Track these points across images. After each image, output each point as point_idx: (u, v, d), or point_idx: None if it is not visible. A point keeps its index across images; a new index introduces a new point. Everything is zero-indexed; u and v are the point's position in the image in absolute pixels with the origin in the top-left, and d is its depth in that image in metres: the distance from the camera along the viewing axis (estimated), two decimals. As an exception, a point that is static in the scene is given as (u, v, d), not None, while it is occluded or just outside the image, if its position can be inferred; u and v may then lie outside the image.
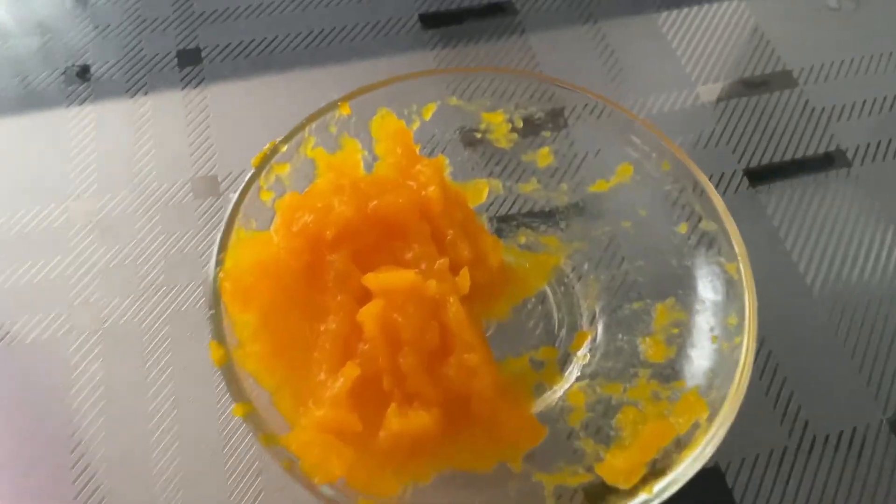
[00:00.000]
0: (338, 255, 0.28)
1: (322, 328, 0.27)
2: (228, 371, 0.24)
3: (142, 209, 0.34)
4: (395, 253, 0.29)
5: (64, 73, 0.38)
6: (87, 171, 0.35)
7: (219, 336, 0.25)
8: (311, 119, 0.30)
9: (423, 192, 0.30)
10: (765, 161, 0.37)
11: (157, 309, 0.32)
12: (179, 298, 0.32)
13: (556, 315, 0.31)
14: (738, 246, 0.27)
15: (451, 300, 0.27)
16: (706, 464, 0.28)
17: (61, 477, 0.28)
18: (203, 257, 0.33)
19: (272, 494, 0.28)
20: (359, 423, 0.25)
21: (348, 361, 0.25)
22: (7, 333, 0.31)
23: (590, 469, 0.25)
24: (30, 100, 0.37)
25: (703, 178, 0.29)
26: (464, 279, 0.28)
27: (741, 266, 0.27)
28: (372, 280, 0.27)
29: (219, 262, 0.27)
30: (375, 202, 0.28)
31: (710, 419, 0.25)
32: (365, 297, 0.27)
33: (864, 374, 0.31)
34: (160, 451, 0.29)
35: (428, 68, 0.39)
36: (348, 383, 0.25)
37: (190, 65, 0.38)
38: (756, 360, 0.31)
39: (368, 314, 0.26)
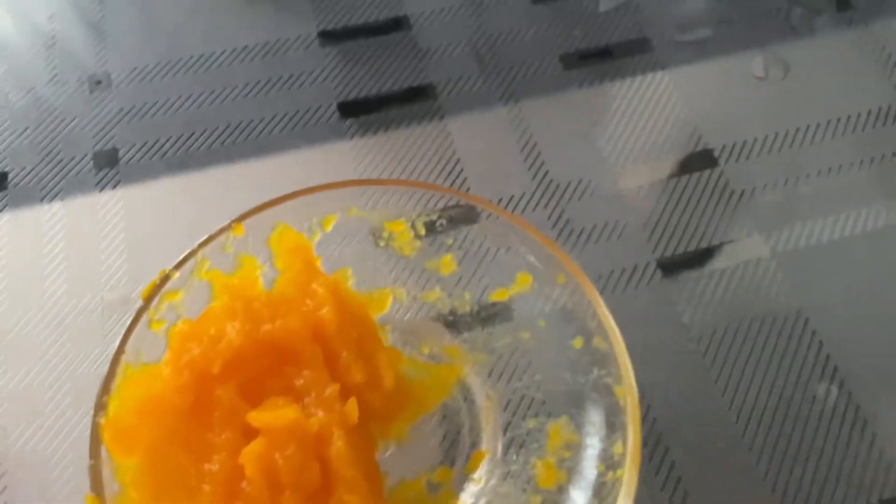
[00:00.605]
0: (224, 389, 0.28)
1: (205, 468, 0.27)
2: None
3: (50, 328, 0.34)
4: (287, 379, 0.29)
5: (-20, 181, 0.38)
6: (-3, 288, 0.35)
7: (96, 488, 0.25)
8: (203, 244, 0.30)
9: (318, 313, 0.30)
10: (679, 250, 0.36)
11: (63, 433, 0.32)
12: (87, 422, 0.32)
13: (457, 432, 0.31)
14: (625, 370, 0.27)
15: (335, 435, 0.27)
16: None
17: None
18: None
19: None
20: None
21: None
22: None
23: None
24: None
25: (595, 297, 0.29)
26: (352, 408, 0.28)
27: (627, 394, 0.27)
28: (254, 418, 0.27)
29: (101, 406, 0.27)
30: (267, 327, 0.28)
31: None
32: (254, 431, 0.27)
33: (769, 481, 0.31)
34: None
35: (344, 159, 0.39)
36: None
37: (107, 167, 0.38)
38: (659, 470, 0.31)
39: (249, 455, 0.26)
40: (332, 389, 0.28)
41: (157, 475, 0.27)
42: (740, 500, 0.31)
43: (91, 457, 0.26)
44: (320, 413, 0.28)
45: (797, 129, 0.40)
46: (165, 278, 0.29)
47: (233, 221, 0.30)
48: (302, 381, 0.28)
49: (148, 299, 0.29)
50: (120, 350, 0.28)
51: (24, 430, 0.32)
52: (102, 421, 0.26)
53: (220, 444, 0.27)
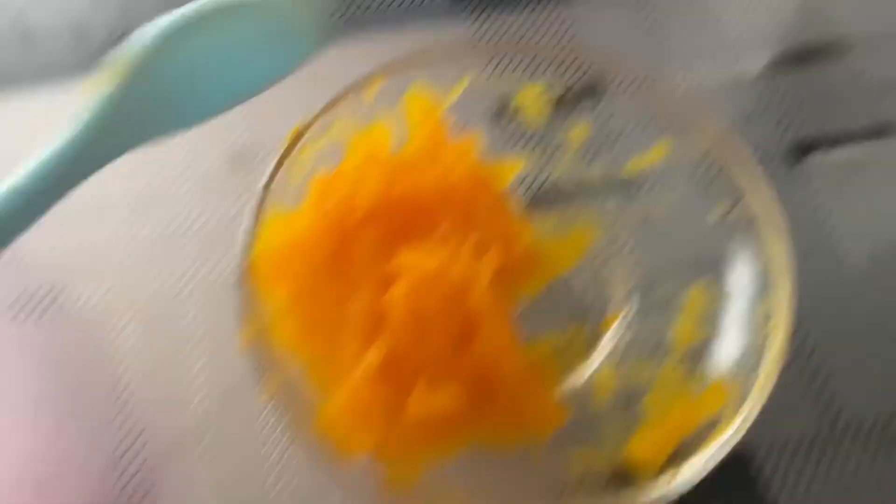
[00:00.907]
0: (366, 234, 0.28)
1: (351, 306, 0.27)
2: (257, 353, 0.25)
3: (178, 183, 0.35)
4: (423, 234, 0.29)
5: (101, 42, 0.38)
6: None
7: (248, 317, 0.26)
8: (341, 96, 0.30)
9: (453, 173, 0.30)
10: (812, 134, 0.35)
11: (196, 279, 0.32)
12: (217, 269, 0.33)
13: (585, 295, 0.31)
14: (777, 232, 0.27)
15: (478, 283, 0.27)
16: (732, 449, 0.28)
17: (108, 439, 0.30)
18: (238, 229, 0.33)
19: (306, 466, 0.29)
20: (383, 402, 0.25)
21: (375, 344, 0.26)
22: (54, 302, 0.32)
23: (614, 452, 0.26)
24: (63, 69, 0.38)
25: (746, 159, 0.28)
26: (491, 260, 0.28)
27: (780, 253, 0.27)
28: (398, 262, 0.27)
29: (248, 244, 0.27)
30: (402, 184, 0.28)
31: (737, 407, 0.25)
32: (393, 276, 0.28)
33: (904, 361, 0.30)
34: (200, 414, 0.30)
35: (461, 41, 0.38)
36: (375, 363, 0.26)
37: (227, 35, 0.39)
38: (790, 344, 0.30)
39: (394, 297, 0.26)
40: (470, 243, 0.28)
41: (305, 310, 0.27)
42: (875, 377, 0.30)
43: (241, 287, 0.26)
44: (458, 265, 0.28)
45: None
46: (305, 127, 0.30)
47: (370, 74, 0.30)
48: (438, 236, 0.29)
49: (289, 146, 0.29)
50: (264, 193, 0.28)
51: (158, 273, 0.33)
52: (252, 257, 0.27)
53: (363, 286, 0.28)
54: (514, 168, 0.33)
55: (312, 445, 0.25)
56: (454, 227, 0.29)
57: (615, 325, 0.30)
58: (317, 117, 0.30)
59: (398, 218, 0.29)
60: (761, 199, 0.27)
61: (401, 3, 0.40)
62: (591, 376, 0.29)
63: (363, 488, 0.26)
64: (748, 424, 0.25)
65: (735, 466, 0.29)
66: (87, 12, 0.40)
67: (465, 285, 0.27)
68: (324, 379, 0.27)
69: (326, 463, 0.25)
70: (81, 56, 0.38)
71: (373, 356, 0.26)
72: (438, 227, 0.29)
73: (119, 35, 0.36)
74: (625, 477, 0.25)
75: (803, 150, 0.35)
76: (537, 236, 0.31)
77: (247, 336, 0.26)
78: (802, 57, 0.38)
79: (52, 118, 0.24)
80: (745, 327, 0.27)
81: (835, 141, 0.35)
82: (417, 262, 0.27)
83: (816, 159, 0.35)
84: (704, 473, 0.24)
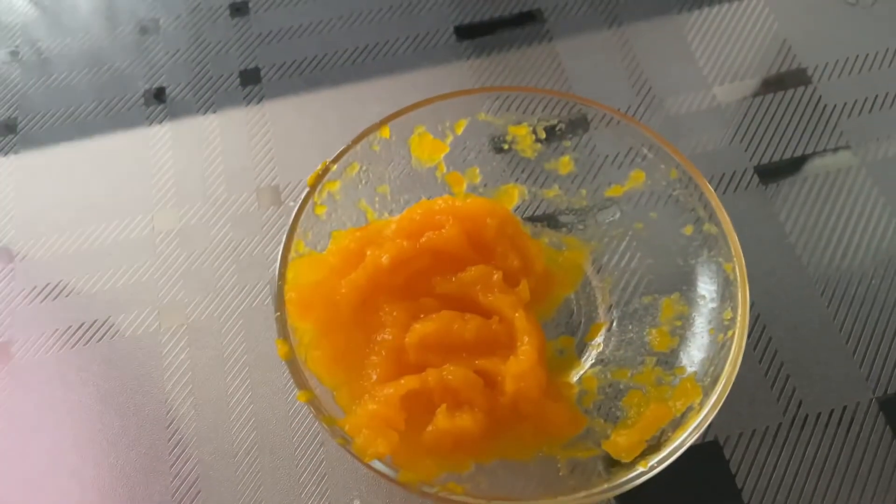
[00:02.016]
0: (393, 279, 0.32)
1: (378, 338, 0.31)
2: (293, 364, 0.29)
3: (215, 217, 0.39)
4: (450, 275, 0.33)
5: (143, 95, 0.43)
6: (167, 186, 0.40)
7: (284, 334, 0.30)
8: (356, 140, 0.34)
9: (477, 219, 0.33)
10: (775, 158, 0.39)
11: (232, 306, 0.37)
12: (251, 296, 0.37)
13: (575, 308, 0.35)
14: (735, 248, 0.31)
15: (518, 313, 0.31)
16: (707, 437, 0.32)
17: (159, 449, 0.34)
18: (269, 259, 0.38)
19: (333, 462, 0.33)
20: (402, 423, 0.29)
21: (407, 376, 0.29)
22: (109, 329, 0.37)
23: (598, 445, 0.30)
24: (114, 121, 0.42)
25: (706, 186, 0.32)
26: (524, 288, 0.32)
27: (736, 267, 0.31)
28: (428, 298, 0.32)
29: (281, 274, 0.31)
30: (429, 234, 0.32)
31: (703, 403, 0.29)
32: (417, 313, 0.32)
33: (857, 358, 0.34)
34: (240, 426, 0.34)
35: (461, 79, 0.43)
36: (402, 390, 0.29)
37: (251, 84, 0.43)
38: (756, 345, 0.35)
39: (422, 331, 0.31)
40: (498, 275, 0.32)
41: (333, 341, 0.31)
42: (830, 372, 0.34)
43: (277, 309, 0.31)
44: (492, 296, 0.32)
45: (886, 52, 0.42)
46: (326, 169, 0.34)
47: (380, 122, 0.35)
48: (467, 274, 0.32)
49: (313, 186, 0.33)
50: (293, 227, 0.32)
51: (199, 301, 0.37)
52: (286, 285, 0.31)
53: (390, 321, 0.31)
54: (513, 194, 0.37)
55: (339, 444, 0.29)
56: (482, 260, 0.33)
57: (600, 333, 0.34)
58: (335, 160, 0.34)
59: (422, 265, 0.33)
60: (720, 224, 0.31)
61: (405, 50, 0.44)
62: (580, 380, 0.33)
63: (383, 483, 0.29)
64: (709, 421, 0.28)
65: (709, 452, 0.33)
66: None
67: (500, 311, 0.31)
68: (351, 398, 0.30)
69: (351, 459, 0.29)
70: None
71: (399, 386, 0.29)
72: (465, 268, 0.32)
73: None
74: (606, 466, 0.29)
75: (770, 171, 0.39)
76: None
77: (283, 354, 0.30)
78: (769, 87, 0.42)
79: None
80: (708, 336, 0.31)
81: (798, 162, 0.39)
82: (450, 292, 0.32)
83: (782, 180, 0.39)
84: (670, 462, 0.28)
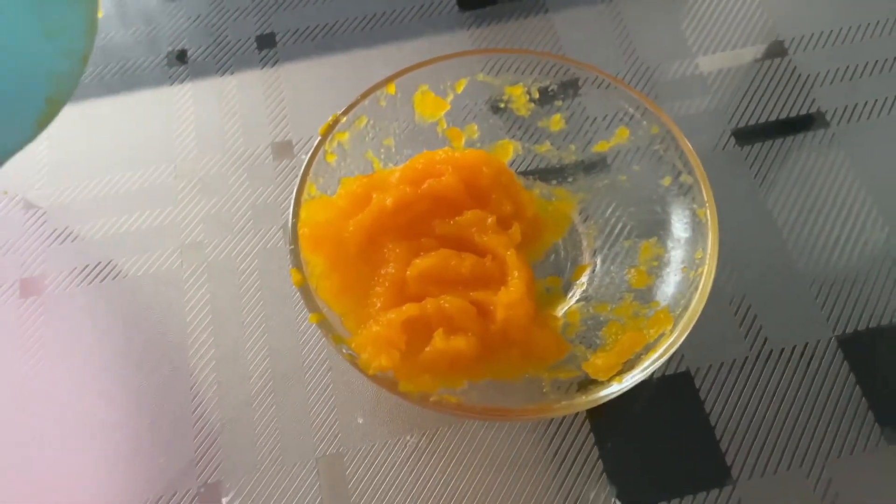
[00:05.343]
0: (395, 220, 0.35)
1: (382, 272, 0.34)
2: (305, 290, 0.33)
3: (232, 168, 0.42)
4: (448, 217, 0.36)
5: (166, 56, 0.46)
6: (189, 139, 0.43)
7: (297, 265, 0.33)
8: (364, 95, 0.38)
9: (475, 168, 0.36)
10: (751, 123, 0.43)
11: (248, 247, 0.40)
12: (265, 239, 0.40)
13: (562, 252, 0.39)
14: (707, 194, 0.34)
15: (510, 252, 0.34)
16: (679, 368, 0.36)
17: (180, 372, 0.37)
18: (282, 206, 0.41)
19: (339, 386, 0.37)
20: (403, 344, 0.32)
21: (408, 303, 0.32)
22: (134, 267, 0.40)
23: (579, 367, 0.33)
24: (140, 80, 0.46)
25: (683, 140, 0.35)
26: (515, 231, 0.35)
27: (708, 211, 0.34)
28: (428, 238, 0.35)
29: (295, 212, 0.34)
30: (429, 181, 0.35)
31: (673, 330, 0.32)
32: (418, 251, 0.35)
33: (820, 300, 0.38)
34: (254, 353, 0.38)
35: (463, 47, 0.46)
36: (403, 316, 0.32)
37: (266, 48, 0.46)
38: (726, 287, 0.38)
39: (421, 265, 0.34)
40: (492, 219, 0.35)
41: (341, 273, 0.34)
42: (794, 312, 0.37)
43: (290, 243, 0.34)
44: (486, 237, 0.35)
45: (859, 26, 0.45)
46: (336, 120, 0.37)
47: (386, 79, 0.38)
48: (464, 217, 0.35)
49: (325, 135, 0.36)
50: (306, 171, 0.35)
51: (217, 243, 0.40)
52: (299, 222, 0.34)
53: (393, 257, 0.35)
54: (508, 149, 0.41)
55: (345, 359, 0.32)
56: (476, 211, 0.36)
57: (585, 274, 0.37)
58: (344, 112, 0.37)
59: (422, 208, 0.35)
60: (695, 174, 0.34)
61: (411, 18, 0.47)
62: (566, 314, 0.36)
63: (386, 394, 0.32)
64: (678, 345, 0.31)
65: (681, 382, 0.36)
66: None
67: (493, 250, 0.35)
68: (357, 323, 0.33)
69: (359, 377, 0.32)
70: None
71: (400, 312, 0.32)
72: (462, 211, 0.36)
73: None
74: (585, 385, 0.32)
75: (746, 134, 0.42)
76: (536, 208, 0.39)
77: (296, 282, 0.33)
78: (748, 57, 0.45)
79: None
80: (681, 273, 0.34)
81: (772, 126, 0.43)
82: (448, 233, 0.35)
83: (757, 142, 0.42)
84: (641, 378, 0.31)
